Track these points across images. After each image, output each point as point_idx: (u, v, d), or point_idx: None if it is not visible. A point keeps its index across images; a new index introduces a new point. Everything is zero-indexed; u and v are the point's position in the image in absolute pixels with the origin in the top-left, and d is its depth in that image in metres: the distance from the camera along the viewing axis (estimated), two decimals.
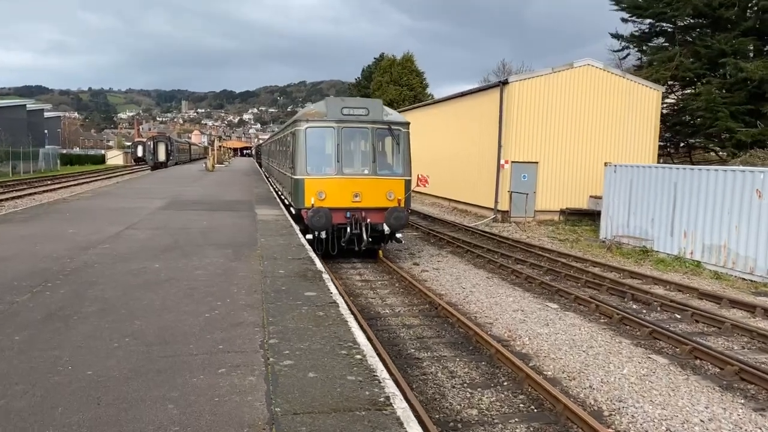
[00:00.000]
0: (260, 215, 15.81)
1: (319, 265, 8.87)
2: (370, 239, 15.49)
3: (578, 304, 12.19)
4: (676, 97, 29.20)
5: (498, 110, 25.68)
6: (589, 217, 25.90)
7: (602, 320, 11.06)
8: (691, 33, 29.61)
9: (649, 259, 18.42)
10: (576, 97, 25.75)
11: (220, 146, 61.19)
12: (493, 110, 26.23)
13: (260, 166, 63.14)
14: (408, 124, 16.08)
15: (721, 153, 28.68)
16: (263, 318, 5.92)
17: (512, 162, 25.57)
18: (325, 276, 8.00)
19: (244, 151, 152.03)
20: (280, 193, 22.08)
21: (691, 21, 27.89)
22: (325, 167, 15.52)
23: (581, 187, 26.11)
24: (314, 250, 11.23)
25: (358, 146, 16.21)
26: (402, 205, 15.62)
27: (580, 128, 25.89)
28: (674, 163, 28.62)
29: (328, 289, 7.20)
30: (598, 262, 16.88)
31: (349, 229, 15.28)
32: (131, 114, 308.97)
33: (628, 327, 10.55)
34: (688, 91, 29.80)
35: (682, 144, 32.43)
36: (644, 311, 11.83)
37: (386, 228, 15.50)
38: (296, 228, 13.66)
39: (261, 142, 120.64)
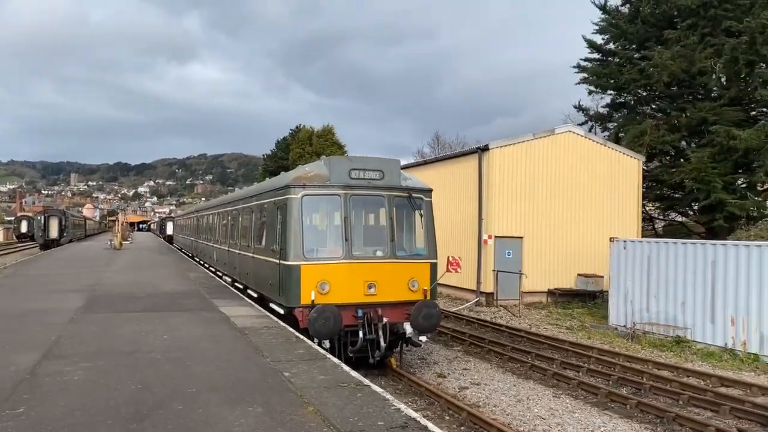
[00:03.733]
0: (233, 317, 11.24)
1: None
2: (385, 344, 11.35)
3: None
4: (646, 167, 27.69)
5: (477, 179, 22.71)
6: (579, 298, 23.06)
7: None
8: (653, 104, 28.69)
9: (691, 351, 15.49)
10: (558, 165, 23.35)
11: (124, 221, 54.49)
12: (469, 179, 23.27)
13: (170, 242, 56.56)
14: (431, 191, 12.42)
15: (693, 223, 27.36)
16: None
17: (495, 237, 22.44)
18: None
19: (141, 225, 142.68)
20: (233, 278, 17.40)
21: (659, 92, 26.81)
22: (329, 249, 11.43)
23: (568, 264, 23.29)
24: None
25: (371, 220, 12.30)
26: (429, 297, 11.71)
27: (563, 198, 23.38)
28: (644, 236, 26.83)
29: None
30: (659, 362, 13.66)
31: (361, 334, 11.07)
32: (12, 187, 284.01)
33: None
34: (655, 163, 28.52)
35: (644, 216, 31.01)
36: None
37: (408, 329, 11.47)
38: (308, 341, 9.31)
39: (164, 215, 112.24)
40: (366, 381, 6.78)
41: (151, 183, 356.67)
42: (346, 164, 11.43)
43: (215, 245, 21.34)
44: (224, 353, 8.04)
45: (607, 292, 20.14)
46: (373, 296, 11.20)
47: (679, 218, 30.52)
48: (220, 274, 20.12)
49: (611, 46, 29.58)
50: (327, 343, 10.58)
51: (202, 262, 26.25)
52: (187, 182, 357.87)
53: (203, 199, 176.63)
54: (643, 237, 24.76)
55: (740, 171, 23.57)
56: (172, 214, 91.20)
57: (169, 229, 59.58)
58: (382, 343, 11.17)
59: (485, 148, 22.68)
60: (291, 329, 10.14)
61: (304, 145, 67.42)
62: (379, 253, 11.55)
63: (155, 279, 18.47)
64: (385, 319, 11.26)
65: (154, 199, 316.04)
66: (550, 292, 23.07)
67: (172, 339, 8.95)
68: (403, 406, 5.78)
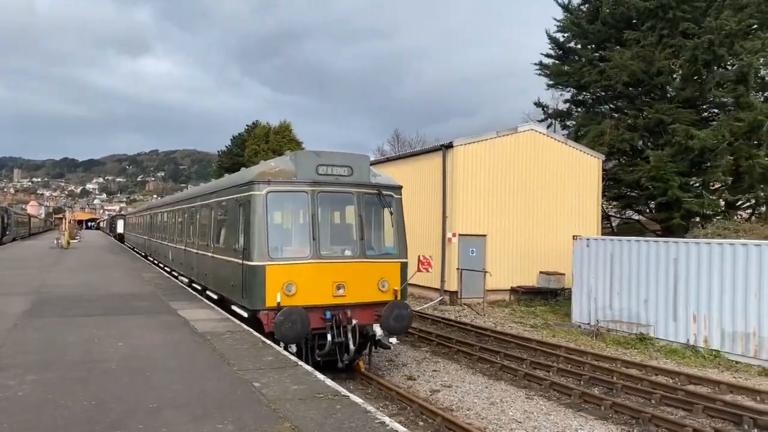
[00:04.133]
0: (193, 321, 10.60)
1: None
2: (354, 347, 10.91)
3: None
4: (604, 167, 28.05)
5: (441, 177, 22.47)
6: (542, 295, 23.11)
7: None
8: (613, 103, 29.06)
9: (654, 348, 15.61)
10: (521, 163, 23.34)
11: (72, 219, 52.28)
12: (433, 177, 23.01)
13: (121, 240, 54.58)
14: (401, 188, 12.04)
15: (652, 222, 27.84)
16: None
17: (459, 235, 22.26)
18: None
19: (89, 223, 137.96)
20: (190, 278, 16.63)
21: (617, 92, 27.13)
22: (295, 248, 10.92)
23: (530, 262, 23.30)
24: None
25: (339, 218, 11.82)
26: (399, 297, 11.33)
27: (525, 196, 23.37)
28: (603, 234, 27.16)
29: None
30: (627, 361, 13.63)
31: (330, 337, 10.60)
32: None
33: None
34: (613, 162, 28.88)
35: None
36: None
37: (378, 331, 11.07)
38: (276, 346, 8.79)
39: (114, 213, 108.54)
40: (344, 391, 6.33)
41: (101, 180, 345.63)
42: (313, 159, 10.93)
43: (171, 244, 20.44)
44: (186, 362, 7.46)
45: (569, 289, 20.23)
46: (341, 297, 10.75)
47: (635, 216, 31.06)
48: (176, 274, 19.28)
49: (572, 44, 29.85)
50: (294, 348, 10.08)
51: (156, 262, 25.22)
52: (138, 179, 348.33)
53: (155, 196, 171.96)
54: (602, 235, 25.03)
55: (694, 170, 24.09)
56: (123, 212, 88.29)
57: (120, 228, 57.50)
58: (352, 347, 10.73)
59: (449, 146, 22.45)
60: (257, 334, 9.58)
61: (260, 142, 65.95)
62: (347, 253, 11.12)
63: (107, 280, 17.52)
64: (354, 321, 10.83)
65: (104, 196, 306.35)
66: (513, 290, 23.05)
67: (128, 346, 8.28)
68: (387, 419, 5.36)
